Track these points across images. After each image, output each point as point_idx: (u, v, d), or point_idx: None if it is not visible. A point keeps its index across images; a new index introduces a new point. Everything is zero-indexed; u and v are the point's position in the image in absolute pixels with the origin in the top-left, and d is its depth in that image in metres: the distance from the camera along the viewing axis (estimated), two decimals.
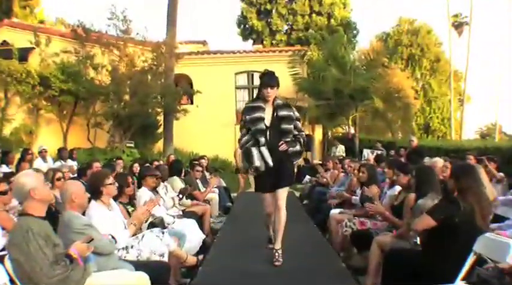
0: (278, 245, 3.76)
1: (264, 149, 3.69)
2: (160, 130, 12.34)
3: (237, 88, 14.56)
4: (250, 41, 22.59)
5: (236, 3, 23.81)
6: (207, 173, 7.78)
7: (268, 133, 3.72)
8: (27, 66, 11.18)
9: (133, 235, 3.33)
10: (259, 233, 4.32)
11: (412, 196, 3.45)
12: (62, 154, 8.93)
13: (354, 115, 13.85)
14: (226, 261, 4.07)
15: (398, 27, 26.13)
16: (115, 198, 3.60)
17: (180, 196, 5.37)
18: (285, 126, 3.75)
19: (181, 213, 5.05)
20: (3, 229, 3.10)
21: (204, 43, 16.86)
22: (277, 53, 14.71)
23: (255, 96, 4.08)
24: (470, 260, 2.56)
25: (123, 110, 10.82)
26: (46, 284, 2.21)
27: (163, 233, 3.53)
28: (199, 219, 5.24)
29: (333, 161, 8.34)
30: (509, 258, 2.32)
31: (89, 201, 3.11)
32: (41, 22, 17.95)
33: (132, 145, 11.38)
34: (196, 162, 7.32)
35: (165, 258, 3.32)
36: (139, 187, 4.75)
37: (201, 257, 4.04)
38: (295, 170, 4.07)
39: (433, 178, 3.42)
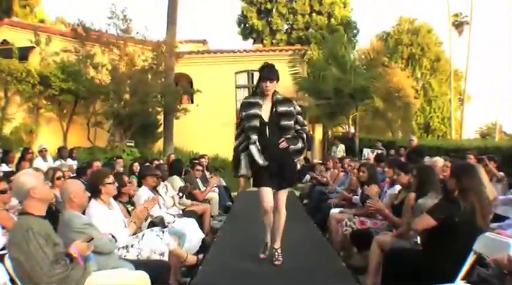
0: (278, 245, 3.73)
1: (254, 148, 3.53)
2: (161, 129, 12.36)
3: (237, 87, 14.58)
4: (251, 40, 22.60)
5: (236, 2, 23.86)
6: (207, 173, 7.80)
7: (267, 129, 3.56)
8: (27, 65, 11.20)
9: (133, 234, 3.33)
10: (259, 233, 4.28)
11: (412, 195, 3.45)
12: (62, 153, 8.92)
13: (354, 115, 13.86)
14: (226, 260, 4.07)
15: (398, 26, 26.14)
16: (115, 197, 3.59)
17: (180, 194, 5.37)
18: (284, 123, 3.57)
19: (181, 212, 5.05)
20: (3, 228, 3.10)
21: (204, 42, 16.89)
22: (278, 52, 14.71)
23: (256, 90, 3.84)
24: (471, 259, 2.56)
25: (123, 109, 10.82)
26: (46, 283, 2.20)
27: (163, 232, 3.52)
28: (199, 218, 5.24)
29: (333, 161, 8.36)
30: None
31: (89, 200, 3.11)
32: (41, 21, 17.97)
33: (133, 144, 11.40)
34: (197, 161, 7.32)
35: (165, 258, 3.31)
36: (139, 186, 4.74)
37: (201, 256, 4.03)
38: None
39: (434, 177, 3.42)
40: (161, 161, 7.15)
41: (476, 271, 2.61)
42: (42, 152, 8.60)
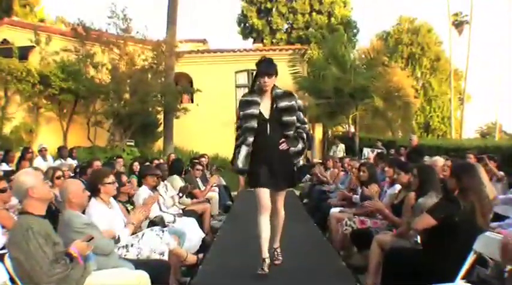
0: (277, 244, 3.72)
1: (244, 150, 3.41)
2: (161, 128, 12.37)
3: (237, 86, 14.58)
4: (251, 40, 22.61)
5: (236, 1, 23.78)
6: (207, 172, 7.80)
7: (268, 127, 3.41)
8: (27, 64, 11.22)
9: (133, 234, 3.33)
10: None
11: (412, 194, 3.45)
12: (62, 152, 8.96)
13: (354, 114, 13.83)
14: (226, 260, 4.10)
15: (398, 26, 26.15)
16: (114, 197, 3.59)
17: (180, 194, 5.40)
18: (286, 118, 3.41)
19: (181, 212, 5.06)
20: (3, 227, 3.10)
21: (204, 42, 16.91)
22: (278, 52, 14.68)
23: (253, 88, 3.65)
24: (470, 259, 2.57)
25: (123, 109, 10.84)
26: (46, 282, 2.20)
27: (163, 231, 3.53)
28: (199, 218, 5.26)
29: (333, 160, 8.40)
30: None
31: (89, 199, 3.11)
32: (41, 21, 17.98)
33: (133, 143, 11.41)
34: (197, 161, 7.36)
35: (165, 257, 3.31)
36: (139, 185, 4.75)
37: (201, 255, 4.04)
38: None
39: (434, 177, 3.43)
40: (161, 161, 7.18)
41: (476, 271, 2.62)
42: (42, 152, 8.63)
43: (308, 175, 8.81)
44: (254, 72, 3.55)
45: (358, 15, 50.82)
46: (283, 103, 3.41)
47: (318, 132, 15.32)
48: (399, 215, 3.64)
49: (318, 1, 21.22)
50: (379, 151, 10.11)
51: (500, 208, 4.12)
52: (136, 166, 6.57)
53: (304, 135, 3.52)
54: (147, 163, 6.40)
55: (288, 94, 3.51)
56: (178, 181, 5.75)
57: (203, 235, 4.67)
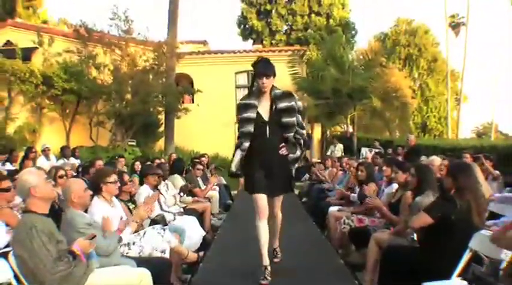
0: (276, 245, 3.73)
1: (239, 154, 3.35)
2: (162, 128, 12.39)
3: (237, 87, 14.67)
4: (250, 41, 22.66)
5: (236, 3, 23.86)
6: (207, 171, 7.83)
7: (267, 129, 3.32)
8: (30, 65, 11.21)
9: (135, 232, 3.35)
10: None
11: (409, 193, 3.49)
12: (65, 152, 9.03)
13: (353, 114, 13.91)
14: (226, 257, 4.13)
15: (396, 27, 26.28)
16: (116, 195, 3.59)
17: (181, 193, 5.43)
18: (286, 120, 3.31)
19: (182, 210, 5.07)
20: (7, 225, 3.12)
21: (204, 43, 16.96)
22: (277, 53, 14.78)
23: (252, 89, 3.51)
24: (466, 256, 2.60)
25: (125, 109, 10.87)
26: (49, 280, 2.22)
27: (164, 230, 3.55)
28: (200, 216, 5.29)
29: (331, 160, 8.50)
30: (504, 254, 2.40)
31: (92, 197, 3.12)
32: (44, 22, 17.92)
33: (134, 143, 11.45)
34: (197, 160, 7.38)
35: (167, 255, 3.33)
36: (141, 184, 4.78)
37: (201, 253, 4.06)
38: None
39: (431, 176, 3.46)
40: (162, 160, 7.16)
41: (472, 268, 2.64)
42: (45, 152, 8.72)
43: (307, 174, 9.02)
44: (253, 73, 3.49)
45: (357, 17, 51.02)
46: (282, 104, 3.31)
47: (317, 132, 15.36)
48: (396, 213, 3.67)
49: (316, 3, 21.30)
50: (377, 150, 10.24)
51: (496, 207, 4.11)
52: (138, 165, 6.59)
53: (302, 142, 3.41)
54: (149, 163, 6.41)
55: (287, 95, 3.40)
56: (179, 180, 5.79)
57: (204, 233, 4.70)
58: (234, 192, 8.52)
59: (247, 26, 22.82)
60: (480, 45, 60.47)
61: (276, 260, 3.66)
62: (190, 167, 6.98)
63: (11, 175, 3.89)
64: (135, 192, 4.49)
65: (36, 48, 11.64)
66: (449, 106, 24.66)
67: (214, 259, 4.03)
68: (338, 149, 12.15)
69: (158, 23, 24.00)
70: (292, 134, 3.35)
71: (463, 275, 2.56)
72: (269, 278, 3.27)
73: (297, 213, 6.52)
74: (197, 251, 4.10)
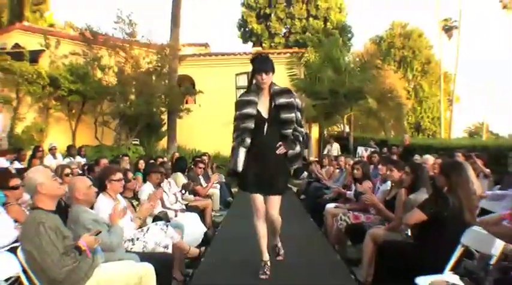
0: (277, 241, 3.68)
1: (242, 152, 3.23)
2: (165, 128, 12.41)
3: (237, 88, 14.68)
4: (250, 44, 22.87)
5: (237, 7, 24.25)
6: (209, 170, 7.98)
7: (265, 126, 3.23)
8: (37, 67, 11.38)
9: (138, 228, 3.45)
10: None
11: (403, 191, 3.54)
12: (71, 151, 9.22)
13: (349, 115, 14.07)
14: (227, 253, 4.22)
15: (391, 30, 26.49)
16: (120, 193, 3.62)
17: (183, 191, 5.53)
18: (285, 116, 3.21)
19: (184, 207, 5.13)
20: (16, 221, 3.17)
21: (206, 45, 17.04)
22: (276, 55, 14.72)
23: (251, 85, 3.39)
24: (458, 252, 2.68)
25: (129, 109, 11.04)
26: (57, 274, 2.28)
27: (167, 226, 3.58)
28: (201, 213, 5.37)
29: (328, 158, 8.56)
30: (494, 249, 2.47)
31: (97, 194, 3.16)
32: (51, 25, 18.00)
33: (138, 142, 11.62)
34: (199, 159, 7.40)
35: (169, 250, 3.38)
36: (144, 182, 4.87)
37: (203, 249, 4.13)
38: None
39: (425, 174, 3.53)
40: (165, 159, 7.27)
41: (463, 263, 2.69)
42: (52, 150, 8.93)
43: (305, 173, 9.26)
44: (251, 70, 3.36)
45: (353, 20, 51.32)
46: (281, 100, 3.22)
47: (315, 132, 15.42)
48: (391, 210, 3.71)
49: (314, 7, 21.54)
50: (373, 149, 10.46)
51: (487, 204, 4.19)
52: (142, 163, 6.63)
53: (301, 139, 3.30)
54: (152, 161, 6.44)
55: (286, 91, 3.32)
56: (181, 178, 5.88)
57: (205, 229, 4.76)
58: (234, 189, 8.56)
59: (247, 29, 23.01)
60: (472, 48, 61.09)
61: (279, 258, 3.60)
62: (192, 166, 7.06)
63: (19, 173, 3.88)
64: (138, 189, 4.59)
65: (43, 50, 11.87)
66: (442, 106, 24.90)
67: (215, 254, 4.10)
68: (334, 148, 12.29)
69: (161, 26, 24.21)
70: (291, 131, 3.24)
71: (455, 270, 2.63)
72: (268, 272, 3.28)
73: (296, 210, 6.59)
74: (199, 246, 4.18)
